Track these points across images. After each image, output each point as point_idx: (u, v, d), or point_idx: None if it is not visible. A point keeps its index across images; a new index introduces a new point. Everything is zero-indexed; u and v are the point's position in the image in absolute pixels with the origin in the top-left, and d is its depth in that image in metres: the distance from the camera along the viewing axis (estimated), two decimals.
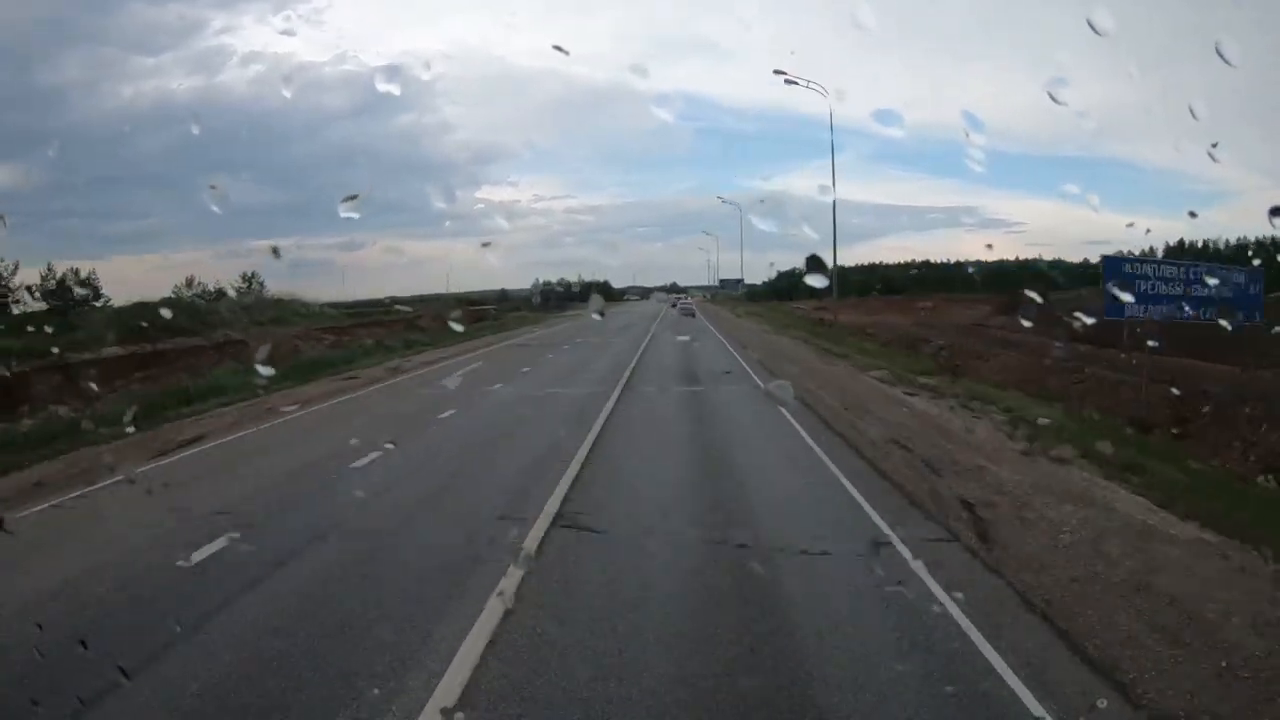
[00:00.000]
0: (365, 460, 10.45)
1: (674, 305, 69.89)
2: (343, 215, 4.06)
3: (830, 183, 37.29)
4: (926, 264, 64.88)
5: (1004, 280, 45.08)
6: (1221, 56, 3.17)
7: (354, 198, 3.83)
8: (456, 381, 19.88)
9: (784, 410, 13.17)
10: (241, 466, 11.18)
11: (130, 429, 13.16)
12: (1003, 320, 30.68)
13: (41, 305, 30.80)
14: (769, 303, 64.75)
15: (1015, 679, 4.47)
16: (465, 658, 4.83)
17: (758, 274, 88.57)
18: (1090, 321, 8.38)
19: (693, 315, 54.29)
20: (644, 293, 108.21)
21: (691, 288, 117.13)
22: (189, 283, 36.56)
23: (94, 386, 16.83)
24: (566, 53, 27.69)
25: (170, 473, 10.78)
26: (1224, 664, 4.63)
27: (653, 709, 4.32)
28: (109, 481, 9.78)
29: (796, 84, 32.98)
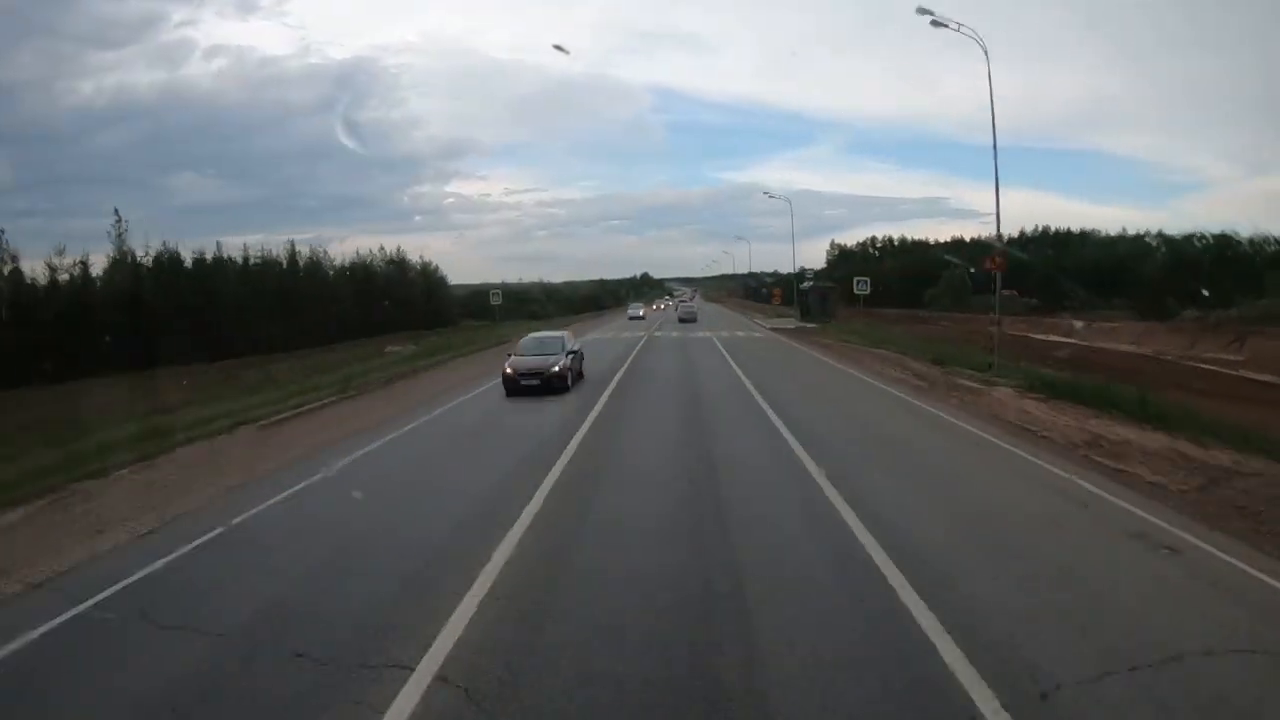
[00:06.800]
0: None
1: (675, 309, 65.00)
2: None
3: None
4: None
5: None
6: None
7: None
8: None
9: None
10: None
11: None
12: None
13: None
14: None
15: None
16: None
17: (728, 266, 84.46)
18: None
19: (694, 320, 49.40)
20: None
21: (668, 280, 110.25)
22: None
23: None
24: (567, 52, 27.52)
25: None
26: None
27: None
28: None
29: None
